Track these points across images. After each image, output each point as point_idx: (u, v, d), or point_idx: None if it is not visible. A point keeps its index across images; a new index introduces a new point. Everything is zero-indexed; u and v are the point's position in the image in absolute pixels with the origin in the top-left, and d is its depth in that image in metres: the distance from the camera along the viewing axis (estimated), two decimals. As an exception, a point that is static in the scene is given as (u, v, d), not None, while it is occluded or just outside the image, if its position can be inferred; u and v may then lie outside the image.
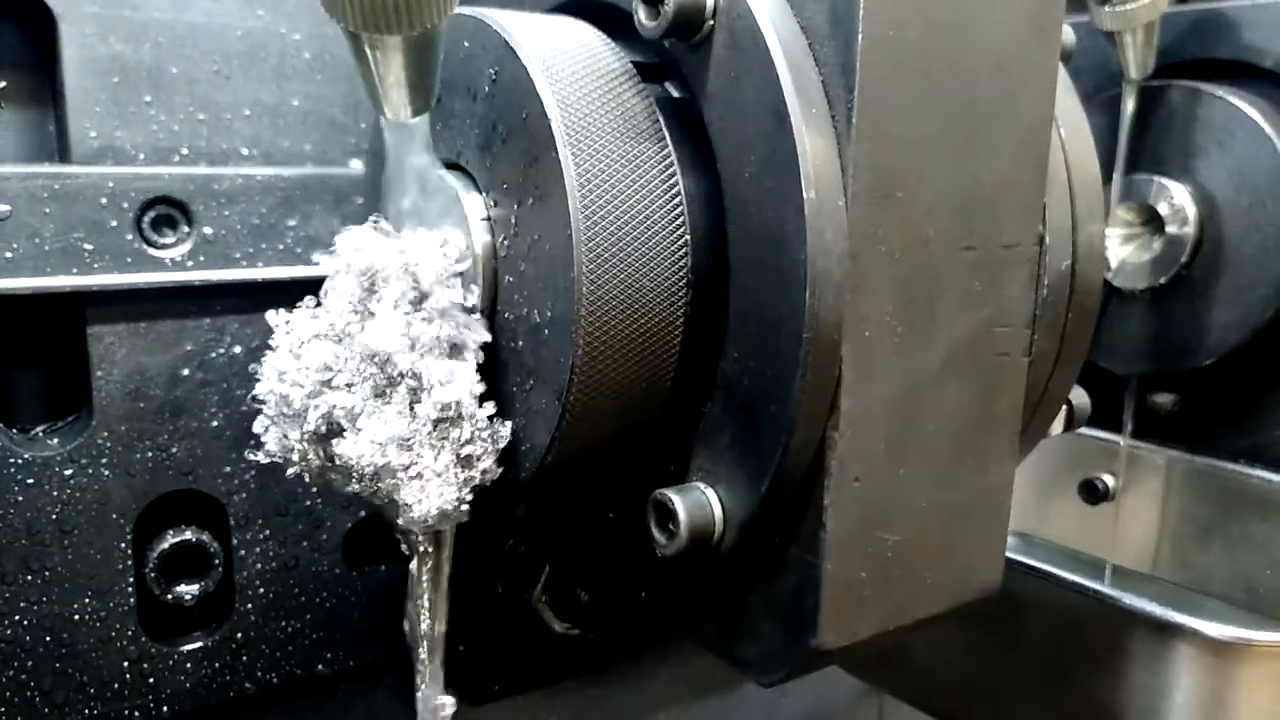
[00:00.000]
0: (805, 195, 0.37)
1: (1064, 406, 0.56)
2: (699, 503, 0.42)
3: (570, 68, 0.41)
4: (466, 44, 0.43)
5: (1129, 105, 0.76)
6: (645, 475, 0.45)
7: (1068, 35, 0.57)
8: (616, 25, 0.44)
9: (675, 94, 0.44)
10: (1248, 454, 0.80)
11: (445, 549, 0.49)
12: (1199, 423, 0.83)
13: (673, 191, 0.41)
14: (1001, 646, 0.67)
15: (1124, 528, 0.88)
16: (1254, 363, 0.78)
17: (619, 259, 0.39)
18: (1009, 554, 0.66)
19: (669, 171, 0.41)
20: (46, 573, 0.62)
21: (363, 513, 0.72)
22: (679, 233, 0.40)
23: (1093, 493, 0.88)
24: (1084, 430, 0.87)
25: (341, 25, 0.35)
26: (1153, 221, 0.79)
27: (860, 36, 0.37)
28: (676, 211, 0.40)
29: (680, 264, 0.40)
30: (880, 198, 0.38)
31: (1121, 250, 0.80)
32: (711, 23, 0.40)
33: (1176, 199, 0.77)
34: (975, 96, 0.40)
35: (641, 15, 0.40)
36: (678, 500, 0.42)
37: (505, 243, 0.43)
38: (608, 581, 0.50)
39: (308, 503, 0.70)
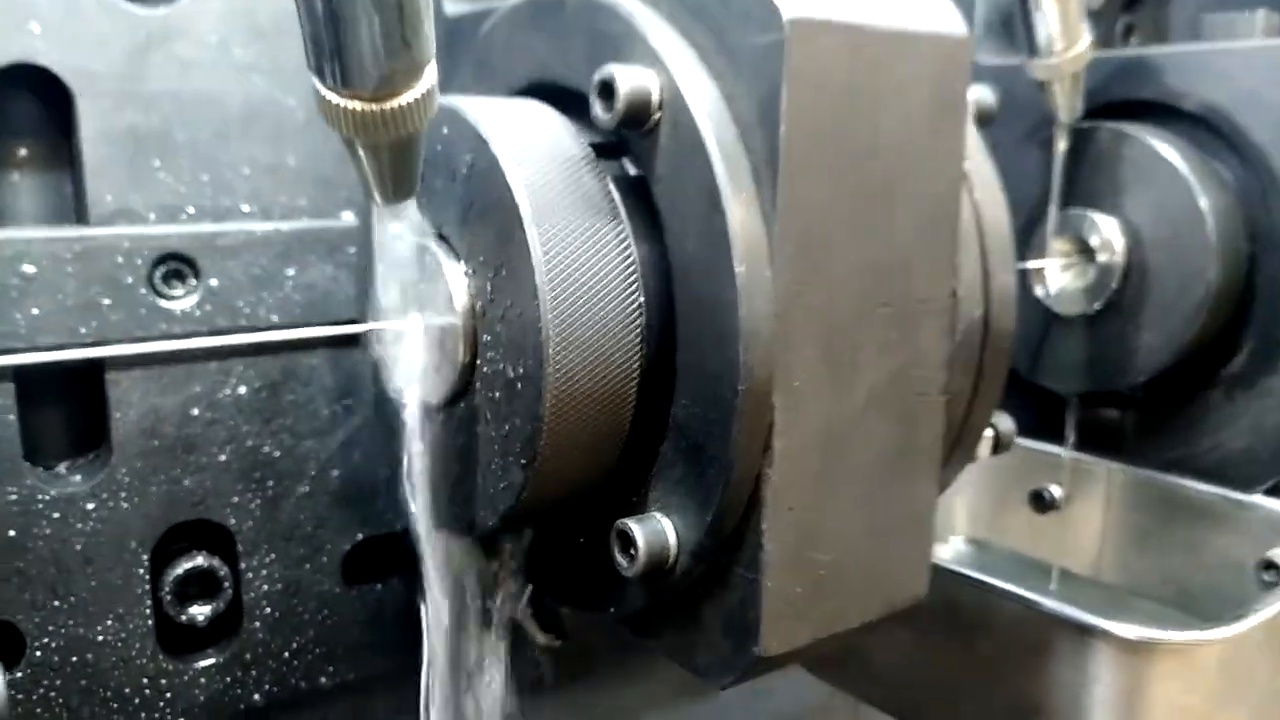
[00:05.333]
0: (736, 268, 0.43)
1: (990, 432, 0.62)
2: (656, 531, 0.48)
3: (535, 155, 0.47)
4: (445, 130, 0.49)
5: (1061, 145, 0.82)
6: (609, 506, 0.51)
7: (989, 98, 0.63)
8: (577, 107, 0.50)
9: (630, 171, 0.50)
10: (1178, 465, 0.87)
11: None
12: (1135, 436, 0.90)
13: (628, 261, 0.47)
14: (948, 649, 0.73)
15: (1071, 534, 0.94)
16: (1180, 381, 0.85)
17: (581, 323, 0.45)
18: (955, 566, 0.72)
19: (624, 243, 0.47)
20: (72, 598, 0.68)
21: (360, 536, 0.78)
22: (633, 297, 0.47)
23: (1041, 502, 0.94)
24: (1032, 444, 0.94)
25: (336, 131, 0.41)
26: (1086, 252, 0.85)
27: (783, 130, 0.43)
28: (631, 279, 0.47)
29: (635, 324, 0.47)
30: (802, 267, 0.44)
31: (1060, 278, 0.87)
32: (658, 115, 0.46)
33: (1106, 231, 0.83)
34: (886, 176, 0.46)
35: (598, 109, 0.46)
36: (637, 529, 0.48)
37: (482, 306, 0.49)
38: (581, 599, 0.56)
39: (309, 529, 0.76)
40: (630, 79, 0.45)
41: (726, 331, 0.44)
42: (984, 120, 0.61)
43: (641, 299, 0.47)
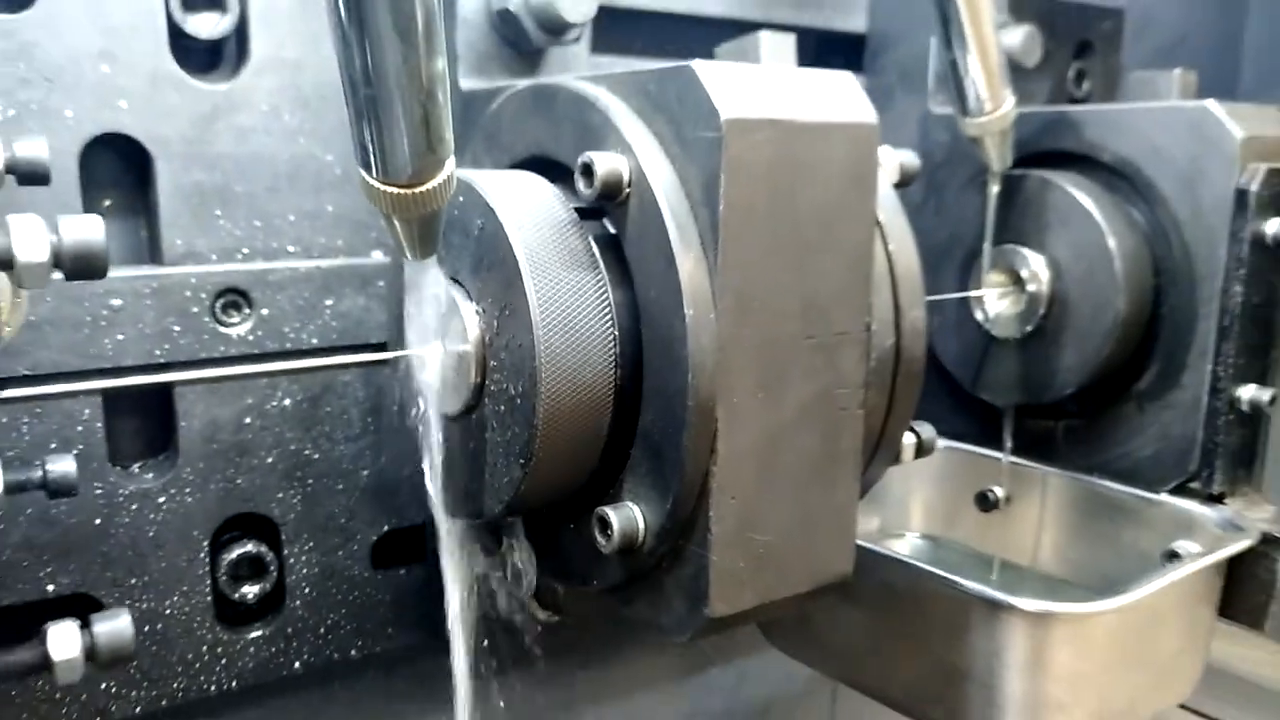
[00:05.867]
0: (686, 312, 0.55)
1: (913, 439, 0.74)
2: (628, 516, 0.60)
3: (532, 220, 0.59)
4: (462, 199, 0.62)
5: (993, 190, 0.94)
6: (590, 497, 0.63)
7: (912, 161, 0.75)
8: (566, 177, 0.63)
9: (609, 230, 0.62)
10: (1100, 468, 0.99)
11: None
12: (1064, 444, 1.02)
13: (604, 304, 0.59)
14: (886, 623, 0.85)
15: (1011, 530, 1.06)
16: (1099, 395, 0.97)
17: (567, 354, 0.57)
18: (891, 552, 0.84)
19: (602, 290, 0.59)
20: (146, 578, 0.80)
21: (386, 527, 0.91)
22: (609, 332, 0.59)
23: (985, 502, 1.06)
24: (978, 451, 1.06)
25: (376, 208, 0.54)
26: (1018, 282, 0.97)
27: (722, 206, 0.55)
28: (607, 318, 0.59)
29: (610, 354, 0.59)
30: (739, 310, 0.57)
31: (997, 305, 0.99)
32: (628, 190, 0.58)
33: (1034, 265, 0.95)
34: (808, 237, 0.59)
35: (581, 184, 0.59)
36: (613, 514, 0.60)
37: (490, 338, 0.61)
38: (569, 574, 0.68)
39: (343, 520, 0.88)
40: (606, 163, 0.57)
41: (679, 360, 0.56)
42: (907, 180, 0.73)
43: (615, 333, 0.59)
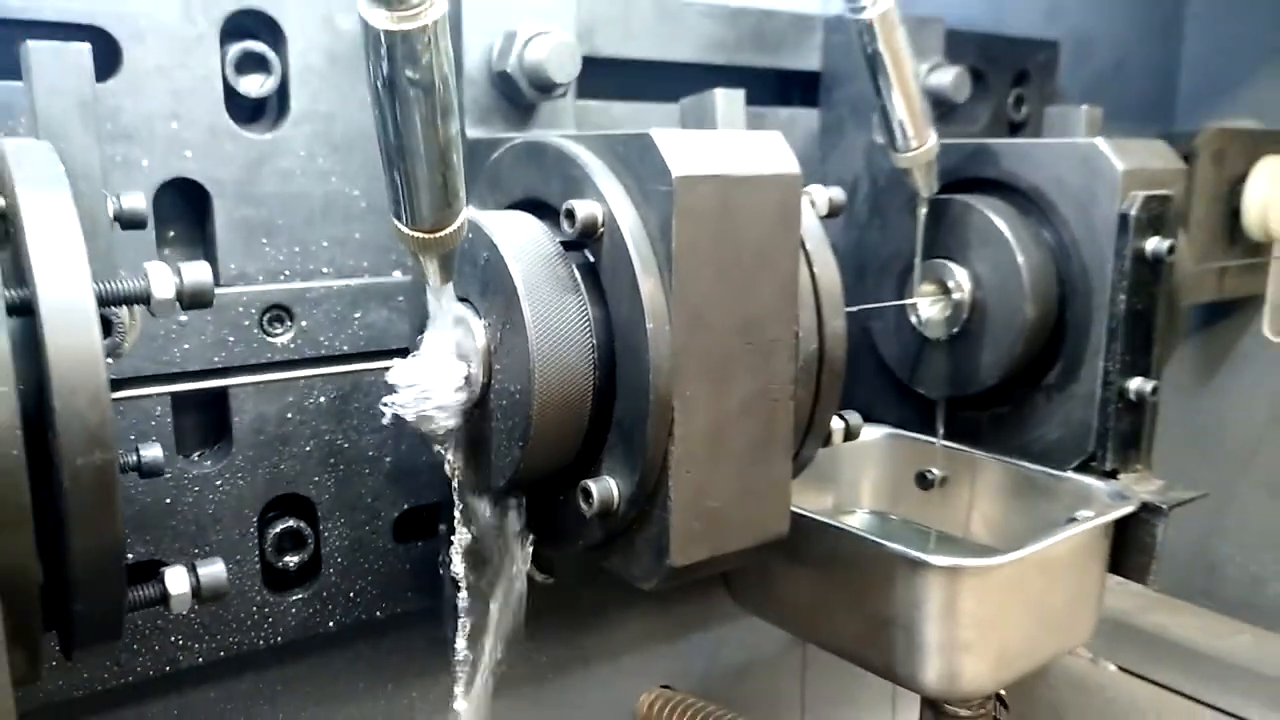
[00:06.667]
0: (648, 326, 0.71)
1: (842, 424, 0.90)
2: (605, 487, 0.76)
3: (526, 253, 0.75)
4: (471, 236, 0.77)
5: (922, 213, 1.09)
6: (575, 473, 0.79)
7: (839, 196, 0.91)
8: (553, 215, 0.78)
9: (588, 259, 0.78)
10: (1018, 451, 1.14)
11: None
12: (988, 430, 1.17)
13: (584, 319, 0.74)
14: (829, 581, 1.00)
15: (947, 506, 1.21)
16: (1014, 388, 1.13)
17: (555, 360, 0.73)
18: (836, 522, 1.00)
19: (582, 308, 0.75)
20: (206, 548, 0.95)
21: (406, 505, 1.06)
22: (589, 342, 0.74)
23: (924, 481, 1.21)
24: (918, 436, 1.22)
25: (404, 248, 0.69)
26: (946, 291, 1.13)
27: (674, 244, 0.70)
28: (587, 331, 0.74)
29: (589, 359, 0.74)
30: (690, 324, 0.72)
31: (928, 311, 1.14)
32: (602, 230, 0.73)
33: (958, 276, 1.11)
34: (745, 265, 0.74)
35: (564, 225, 0.74)
36: (594, 486, 0.76)
37: (495, 346, 0.77)
38: (559, 538, 0.84)
39: (369, 500, 1.03)
40: (585, 209, 0.73)
41: (643, 364, 0.72)
42: (835, 212, 0.89)
43: (594, 343, 0.75)
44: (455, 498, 0.82)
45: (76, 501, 0.50)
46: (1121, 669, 2.00)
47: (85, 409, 0.50)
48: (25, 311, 0.50)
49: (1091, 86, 1.75)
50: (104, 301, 0.54)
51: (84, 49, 0.69)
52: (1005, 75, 1.50)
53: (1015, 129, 1.52)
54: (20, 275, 0.52)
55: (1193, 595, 1.96)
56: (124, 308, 0.64)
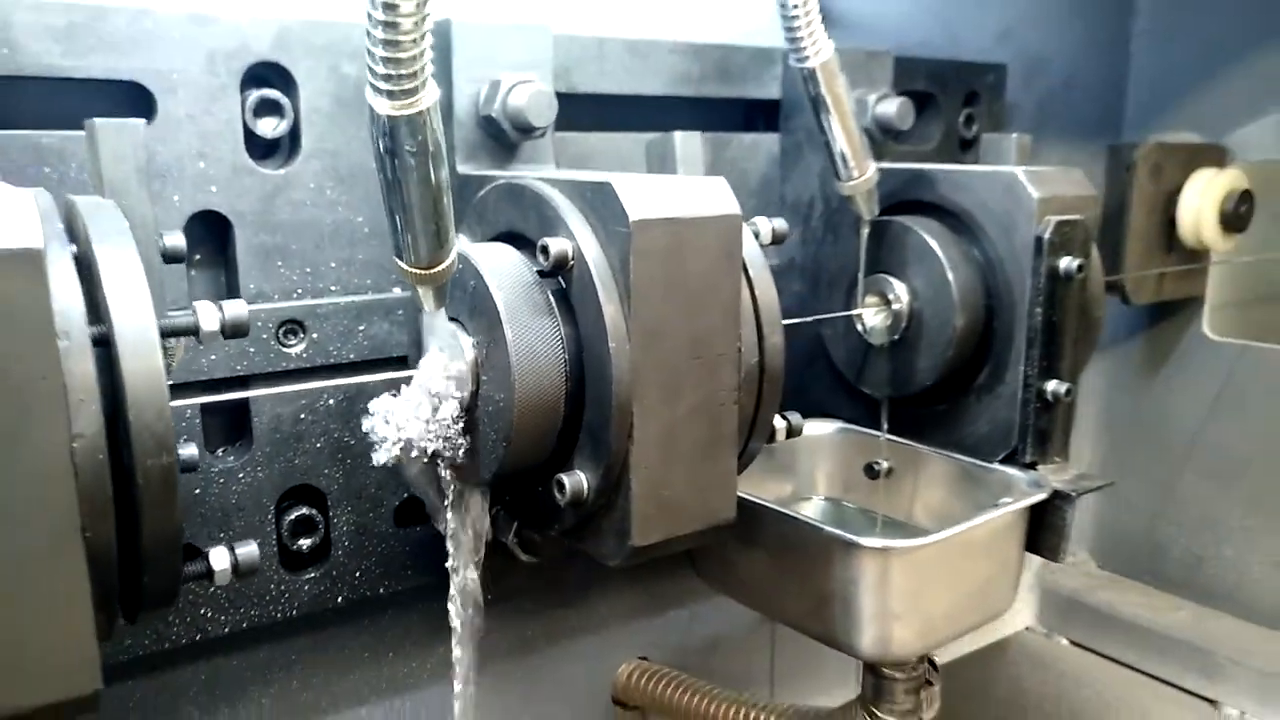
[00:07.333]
0: (610, 345, 0.84)
1: (784, 423, 1.03)
2: (577, 480, 0.89)
3: (508, 281, 0.88)
4: (460, 266, 0.90)
5: (864, 234, 1.22)
6: (552, 468, 0.92)
7: (783, 226, 1.04)
8: (531, 247, 0.91)
9: (561, 285, 0.91)
10: (953, 445, 1.27)
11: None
12: (927, 426, 1.31)
13: (557, 338, 0.87)
14: (779, 561, 1.13)
15: (892, 494, 1.34)
16: (948, 389, 1.26)
17: (532, 373, 0.86)
18: (784, 509, 1.13)
19: (556, 329, 0.88)
20: (230, 532, 1.07)
21: (405, 494, 1.19)
22: (561, 358, 0.87)
23: (872, 472, 1.33)
24: (866, 430, 1.35)
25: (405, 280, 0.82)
26: (887, 303, 1.26)
27: (631, 276, 0.83)
28: (559, 348, 0.87)
29: (562, 373, 0.87)
30: (646, 342, 0.85)
31: (873, 320, 1.27)
32: (572, 263, 0.86)
33: (897, 290, 1.23)
34: (693, 292, 0.87)
35: (540, 258, 0.87)
36: (567, 479, 0.89)
37: (482, 361, 0.90)
38: (540, 524, 0.98)
39: (373, 490, 1.15)
40: (558, 244, 0.86)
41: (607, 376, 0.85)
42: (779, 240, 1.02)
43: (565, 358, 0.88)
44: (449, 492, 0.95)
45: (147, 496, 0.63)
46: (1073, 643, 2.16)
47: (153, 421, 0.63)
48: (103, 343, 0.63)
49: (1043, 103, 1.87)
50: (164, 334, 0.67)
51: (139, 124, 0.81)
52: (956, 97, 1.62)
53: (966, 146, 1.65)
54: (97, 313, 0.65)
55: (1139, 574, 2.10)
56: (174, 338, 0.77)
